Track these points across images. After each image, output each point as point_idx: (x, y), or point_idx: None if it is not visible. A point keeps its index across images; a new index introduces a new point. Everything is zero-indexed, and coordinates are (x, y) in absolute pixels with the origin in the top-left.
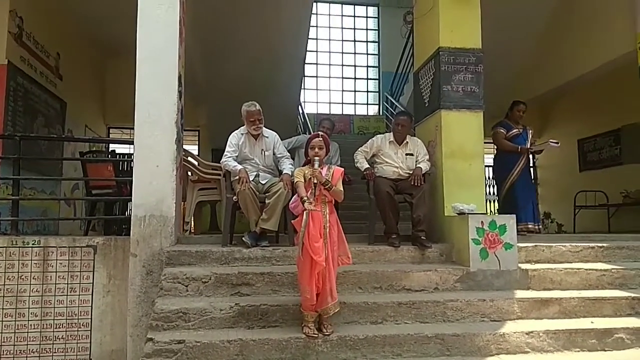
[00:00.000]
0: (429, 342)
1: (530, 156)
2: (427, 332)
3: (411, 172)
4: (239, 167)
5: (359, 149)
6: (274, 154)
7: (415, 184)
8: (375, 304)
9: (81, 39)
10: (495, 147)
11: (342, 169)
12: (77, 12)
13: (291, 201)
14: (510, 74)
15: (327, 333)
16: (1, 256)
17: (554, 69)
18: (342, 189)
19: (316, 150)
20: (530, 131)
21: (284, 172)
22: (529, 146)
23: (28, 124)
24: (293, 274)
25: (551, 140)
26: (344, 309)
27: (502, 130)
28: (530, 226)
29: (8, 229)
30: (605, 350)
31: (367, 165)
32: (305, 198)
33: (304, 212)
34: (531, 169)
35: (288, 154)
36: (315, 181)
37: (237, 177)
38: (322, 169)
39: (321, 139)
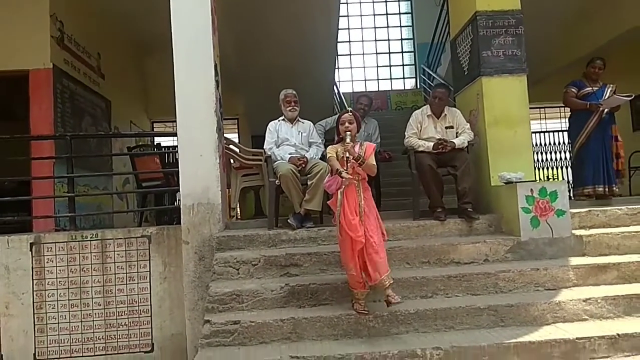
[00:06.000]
0: (482, 314)
1: (608, 113)
2: (479, 304)
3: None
4: (288, 156)
5: (408, 135)
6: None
7: (444, 149)
8: (425, 279)
9: (119, 38)
10: (568, 107)
11: (374, 145)
12: (114, 11)
13: (325, 180)
14: (553, 34)
15: (394, 302)
16: (63, 250)
17: (600, 25)
18: (374, 162)
19: (346, 124)
20: (610, 88)
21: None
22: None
23: (76, 124)
24: (339, 253)
25: (617, 94)
26: (393, 284)
27: (572, 89)
28: (599, 189)
29: (67, 225)
30: None
31: (429, 144)
32: (342, 169)
33: (338, 192)
34: (611, 128)
35: (320, 141)
36: (348, 155)
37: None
38: (354, 146)
39: (350, 114)
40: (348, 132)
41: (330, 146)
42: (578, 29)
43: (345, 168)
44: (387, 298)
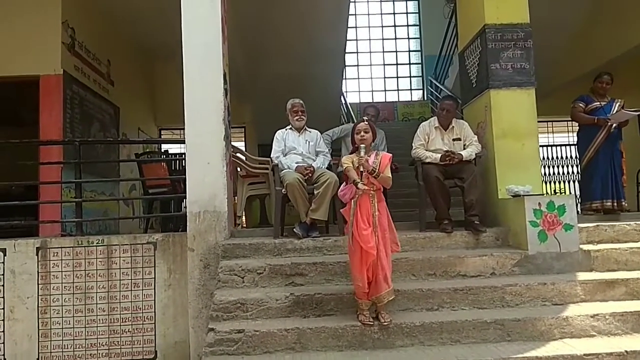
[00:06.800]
0: (488, 328)
1: (617, 128)
2: (486, 318)
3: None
4: (295, 165)
5: (415, 146)
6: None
7: (451, 161)
8: (430, 291)
9: (129, 45)
10: (576, 122)
11: (390, 155)
12: (125, 19)
13: (340, 189)
14: (561, 48)
15: (385, 323)
16: (69, 256)
17: (609, 39)
18: (390, 175)
19: (362, 134)
20: (618, 103)
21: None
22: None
23: (85, 130)
24: (345, 263)
25: (625, 109)
26: (398, 296)
27: (580, 104)
28: (607, 204)
29: (73, 230)
30: None
31: (437, 155)
32: (358, 180)
33: (352, 201)
34: (618, 142)
35: (327, 150)
36: (362, 169)
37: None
38: (369, 156)
39: (366, 123)
40: (362, 145)
41: (346, 156)
42: (587, 43)
43: (360, 178)
44: (378, 315)
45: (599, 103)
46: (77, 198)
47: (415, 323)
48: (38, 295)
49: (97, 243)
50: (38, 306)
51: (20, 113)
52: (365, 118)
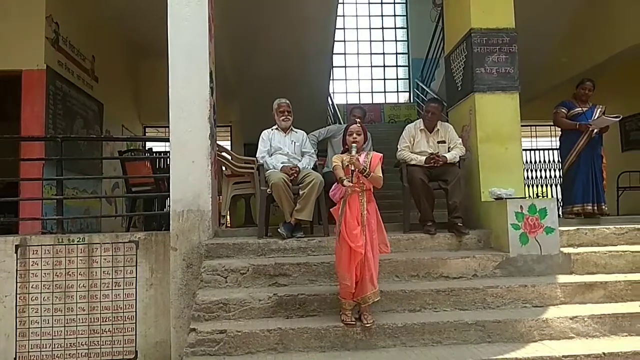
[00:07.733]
0: (469, 329)
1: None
2: (467, 319)
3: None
4: (280, 165)
5: (400, 148)
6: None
7: (436, 163)
8: (413, 292)
9: (115, 42)
10: (558, 127)
11: (381, 155)
12: (110, 15)
13: (331, 188)
14: (546, 53)
15: (367, 324)
16: (49, 254)
17: (593, 45)
18: (381, 174)
19: (354, 135)
20: (600, 109)
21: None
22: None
23: (68, 126)
24: (329, 264)
25: (606, 115)
26: (381, 297)
27: (562, 110)
28: (588, 208)
29: (54, 228)
30: None
31: (422, 157)
32: (344, 177)
33: (341, 200)
34: (599, 148)
35: (313, 151)
36: (353, 168)
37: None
38: (360, 156)
39: (359, 125)
40: (354, 145)
41: (336, 155)
42: (570, 49)
43: (349, 177)
44: (361, 316)
45: (580, 109)
46: (58, 195)
47: (398, 324)
48: (16, 293)
49: (78, 241)
50: (16, 305)
51: (1, 108)
52: (358, 120)
